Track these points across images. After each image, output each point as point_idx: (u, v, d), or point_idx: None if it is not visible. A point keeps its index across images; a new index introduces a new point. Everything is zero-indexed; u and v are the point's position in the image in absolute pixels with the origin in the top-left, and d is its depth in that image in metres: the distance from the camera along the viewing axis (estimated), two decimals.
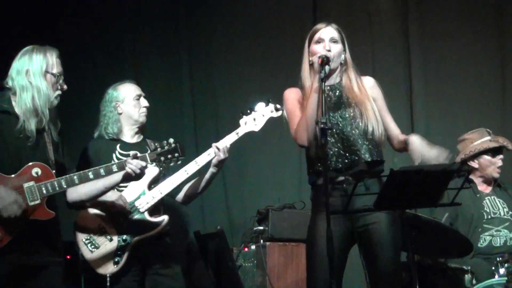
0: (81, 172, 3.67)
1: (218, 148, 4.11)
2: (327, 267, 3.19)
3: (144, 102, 4.35)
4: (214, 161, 4.15)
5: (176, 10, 6.12)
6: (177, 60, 6.06)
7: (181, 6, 6.12)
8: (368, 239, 3.47)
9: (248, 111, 4.21)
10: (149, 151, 3.88)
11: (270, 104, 4.19)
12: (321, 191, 3.39)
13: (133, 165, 3.77)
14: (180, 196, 4.35)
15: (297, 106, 3.59)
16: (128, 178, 3.83)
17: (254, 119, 4.19)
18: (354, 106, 3.56)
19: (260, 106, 4.21)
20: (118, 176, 3.83)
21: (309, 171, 3.61)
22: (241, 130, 4.19)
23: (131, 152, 3.85)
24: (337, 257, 3.33)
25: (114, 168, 3.75)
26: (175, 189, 4.24)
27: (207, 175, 4.22)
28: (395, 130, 3.65)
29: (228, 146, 4.14)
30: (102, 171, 3.71)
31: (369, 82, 3.68)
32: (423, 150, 3.37)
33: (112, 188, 3.96)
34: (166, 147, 3.84)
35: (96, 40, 6.07)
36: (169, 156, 3.84)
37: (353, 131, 3.54)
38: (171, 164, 3.93)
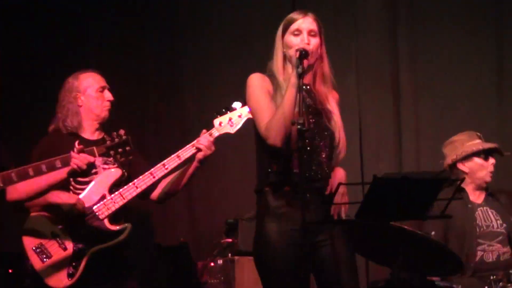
0: (20, 168, 3.62)
1: (200, 144, 4.08)
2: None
3: (108, 95, 4.30)
4: (198, 155, 4.11)
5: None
6: (141, 53, 6.03)
7: None
8: (327, 254, 3.45)
9: (223, 110, 4.17)
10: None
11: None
12: (276, 195, 3.40)
13: (78, 160, 3.72)
14: (156, 193, 4.30)
15: (266, 95, 3.49)
16: (74, 174, 3.79)
17: (230, 120, 4.15)
18: (325, 109, 3.55)
19: (236, 106, 4.16)
20: (62, 173, 3.77)
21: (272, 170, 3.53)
22: (215, 131, 4.15)
23: (76, 145, 3.79)
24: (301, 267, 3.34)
25: (58, 163, 3.70)
26: (144, 190, 4.19)
27: (190, 170, 4.19)
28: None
29: (212, 139, 4.10)
30: (43, 167, 3.66)
31: (334, 95, 3.66)
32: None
33: (55, 186, 3.90)
34: (116, 140, 3.79)
35: (52, 29, 6.01)
36: (120, 149, 3.80)
37: (320, 140, 3.52)
38: (122, 159, 3.88)
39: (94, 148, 3.78)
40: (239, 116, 4.15)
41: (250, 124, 3.80)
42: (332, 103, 3.58)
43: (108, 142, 3.79)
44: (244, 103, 4.11)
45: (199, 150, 4.09)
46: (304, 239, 3.18)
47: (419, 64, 5.73)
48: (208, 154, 4.09)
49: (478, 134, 4.90)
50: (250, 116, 4.05)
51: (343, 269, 3.43)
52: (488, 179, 4.86)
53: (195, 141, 4.11)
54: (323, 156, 3.50)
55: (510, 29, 5.68)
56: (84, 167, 3.75)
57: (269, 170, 3.49)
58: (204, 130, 4.13)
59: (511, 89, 5.66)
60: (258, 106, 3.50)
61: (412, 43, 5.74)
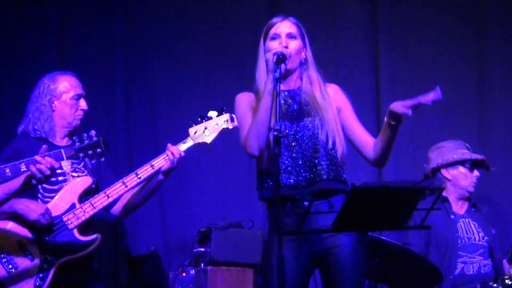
0: None
1: (173, 154, 4.06)
2: None
3: (83, 105, 4.25)
4: (163, 168, 4.08)
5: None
6: (109, 55, 5.96)
7: None
8: (329, 265, 3.44)
9: (199, 119, 4.15)
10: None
11: (224, 113, 4.12)
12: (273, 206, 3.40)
13: (43, 163, 3.62)
14: (118, 208, 4.27)
15: (249, 111, 3.55)
16: (32, 181, 3.64)
17: (206, 129, 4.13)
18: (315, 115, 3.54)
19: (212, 115, 4.15)
20: (18, 181, 3.67)
21: (259, 186, 3.56)
22: (190, 141, 4.14)
23: (44, 147, 3.70)
24: (297, 286, 3.37)
25: (23, 167, 3.61)
26: (111, 202, 4.15)
27: (152, 183, 4.17)
28: (367, 137, 3.60)
29: (183, 154, 4.09)
30: (7, 171, 3.56)
31: (332, 88, 3.65)
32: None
33: (14, 195, 3.79)
34: (86, 141, 3.70)
35: (15, 25, 5.91)
36: (90, 152, 3.68)
37: (311, 144, 3.50)
38: (93, 162, 3.78)
39: (62, 150, 3.69)
40: (215, 125, 4.14)
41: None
42: (323, 101, 3.56)
43: (77, 144, 3.71)
44: (220, 112, 4.12)
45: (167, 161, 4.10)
46: (279, 251, 3.14)
47: (398, 72, 5.80)
48: (174, 166, 4.08)
49: (467, 145, 4.92)
50: (226, 126, 4.11)
51: (348, 278, 3.41)
52: (471, 189, 4.88)
53: (165, 153, 4.09)
54: (318, 157, 3.48)
55: (490, 39, 5.74)
56: (47, 172, 3.64)
57: (260, 184, 3.55)
58: (169, 145, 4.11)
59: (491, 97, 5.73)
60: (241, 122, 3.59)
61: (392, 50, 5.76)
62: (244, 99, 3.62)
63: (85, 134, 3.72)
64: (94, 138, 3.72)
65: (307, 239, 3.45)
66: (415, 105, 3.34)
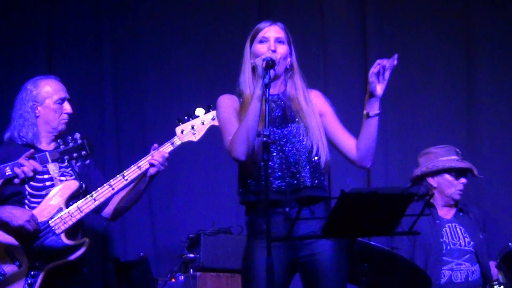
0: None
1: (155, 159, 4.07)
2: None
3: (67, 108, 4.23)
4: (149, 171, 4.10)
5: (99, 2, 6.00)
6: (98, 55, 5.95)
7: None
8: (310, 272, 3.45)
9: (186, 117, 4.16)
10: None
11: (211, 110, 4.14)
12: (259, 215, 3.39)
13: (26, 165, 3.64)
14: (108, 210, 4.27)
15: (233, 114, 3.55)
16: (15, 179, 3.69)
17: (193, 127, 4.15)
18: (299, 121, 3.55)
19: (199, 112, 4.15)
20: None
21: (241, 190, 3.57)
22: (177, 140, 4.14)
23: (30, 151, 3.74)
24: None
25: (8, 170, 3.64)
26: (99, 205, 4.15)
27: (140, 186, 4.18)
28: (350, 140, 3.61)
29: (167, 155, 4.10)
30: None
31: (314, 94, 3.67)
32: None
33: None
34: (70, 144, 3.73)
35: (3, 27, 5.89)
36: (74, 154, 3.73)
37: (295, 150, 3.51)
38: (78, 164, 3.84)
39: (47, 153, 3.72)
40: (202, 123, 4.16)
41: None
42: (307, 108, 3.57)
43: (61, 147, 3.72)
44: (208, 110, 4.14)
45: (152, 165, 4.10)
46: (268, 257, 3.16)
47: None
48: (160, 170, 4.11)
49: (457, 150, 4.93)
50: (214, 123, 4.13)
51: (329, 284, 3.43)
52: (457, 197, 4.89)
53: (150, 155, 4.11)
54: (301, 164, 3.48)
55: (479, 44, 5.76)
56: (30, 174, 3.67)
57: (243, 188, 3.56)
58: (155, 145, 4.13)
59: (480, 103, 5.73)
60: (224, 124, 3.57)
61: (380, 54, 5.75)
62: (227, 102, 3.61)
63: (70, 137, 3.76)
64: (79, 141, 3.76)
65: (289, 245, 3.46)
66: (378, 71, 3.40)
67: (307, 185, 3.46)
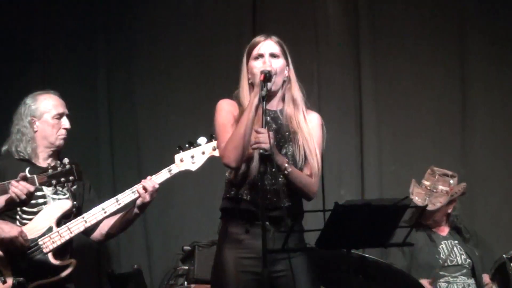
0: None
1: (144, 189, 4.04)
2: None
3: (65, 123, 4.21)
4: (138, 202, 4.07)
5: (94, 19, 6.00)
6: (93, 74, 5.94)
7: (99, 14, 5.98)
8: (283, 287, 3.46)
9: (187, 145, 4.13)
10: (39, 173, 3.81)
11: (213, 140, 4.08)
12: (236, 224, 3.43)
13: (18, 188, 3.70)
14: (96, 235, 4.25)
15: (231, 121, 3.54)
16: (12, 203, 3.74)
17: (192, 157, 4.11)
18: (295, 140, 3.55)
19: (201, 142, 4.12)
20: (1, 201, 3.74)
21: (225, 195, 3.57)
22: (175, 168, 4.11)
23: (20, 174, 3.76)
24: None
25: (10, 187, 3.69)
26: (89, 227, 4.13)
27: (129, 216, 4.15)
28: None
29: (157, 186, 4.06)
30: None
31: (313, 117, 3.64)
32: None
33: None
34: (59, 169, 3.78)
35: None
36: (62, 179, 3.79)
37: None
38: (65, 189, 3.88)
39: (35, 176, 3.76)
40: (203, 153, 4.11)
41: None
42: (303, 127, 3.56)
43: (49, 171, 3.77)
44: (210, 139, 4.09)
45: (144, 189, 4.06)
46: (263, 269, 3.20)
47: (381, 90, 5.78)
48: (148, 201, 4.06)
49: (447, 174, 4.95)
50: (214, 153, 4.07)
51: None
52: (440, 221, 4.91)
53: (140, 184, 4.08)
54: (281, 183, 3.48)
55: (472, 58, 5.77)
56: (23, 196, 3.72)
57: (226, 196, 3.56)
58: (149, 177, 4.10)
59: (474, 117, 5.74)
60: (220, 128, 3.56)
61: (375, 69, 5.79)
62: (227, 107, 3.59)
63: (58, 162, 3.81)
64: (67, 166, 3.80)
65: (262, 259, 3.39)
66: None
67: (285, 205, 3.46)
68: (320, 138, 3.62)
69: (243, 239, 3.45)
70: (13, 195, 3.71)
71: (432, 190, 4.90)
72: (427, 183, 4.93)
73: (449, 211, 4.93)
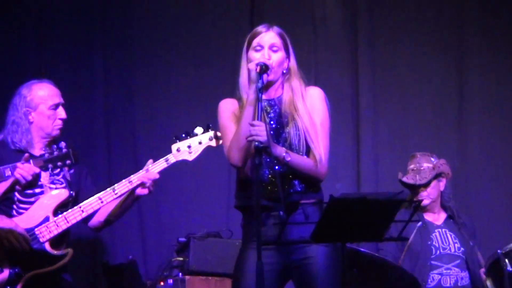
0: None
1: (144, 181, 4.05)
2: None
3: (61, 113, 4.19)
4: (137, 191, 4.08)
5: (91, 7, 5.96)
6: (89, 63, 5.93)
7: (96, 2, 5.95)
8: (302, 276, 3.47)
9: (183, 135, 4.10)
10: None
11: (210, 130, 4.07)
12: (253, 218, 3.38)
13: (24, 170, 3.69)
14: (94, 222, 4.25)
15: (233, 120, 3.54)
16: (19, 185, 3.75)
17: (189, 147, 4.09)
18: (292, 125, 3.53)
19: (198, 131, 4.10)
20: (6, 184, 3.74)
21: (237, 194, 3.58)
22: (172, 158, 4.10)
23: (25, 155, 3.77)
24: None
25: (8, 171, 3.69)
26: (86, 217, 4.12)
27: (128, 201, 4.16)
28: (311, 156, 3.54)
29: (157, 176, 4.07)
30: None
31: (314, 92, 3.62)
32: None
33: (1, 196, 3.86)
34: (55, 153, 3.76)
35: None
36: (59, 163, 3.77)
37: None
38: (61, 177, 3.88)
39: (31, 161, 3.75)
40: (199, 143, 4.08)
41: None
42: (303, 113, 3.53)
43: (46, 155, 3.76)
44: (206, 129, 4.08)
45: (142, 184, 4.07)
46: (258, 261, 3.20)
47: (378, 85, 5.81)
48: (146, 193, 4.09)
49: (427, 154, 4.97)
50: (211, 143, 4.07)
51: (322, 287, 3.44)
52: (425, 203, 4.92)
53: (143, 170, 4.08)
54: (292, 172, 3.48)
55: (470, 52, 5.79)
56: (29, 177, 3.71)
57: (238, 192, 3.58)
58: (150, 160, 4.11)
59: (471, 111, 5.77)
60: (223, 131, 3.58)
61: (372, 64, 5.80)
62: (227, 107, 3.60)
63: (55, 146, 3.78)
64: (64, 150, 3.78)
65: (281, 249, 3.47)
66: None
67: (297, 190, 3.48)
68: (323, 112, 3.59)
69: (261, 231, 3.37)
70: (19, 176, 3.70)
71: (419, 168, 4.92)
72: (411, 166, 4.96)
73: (442, 189, 4.94)
